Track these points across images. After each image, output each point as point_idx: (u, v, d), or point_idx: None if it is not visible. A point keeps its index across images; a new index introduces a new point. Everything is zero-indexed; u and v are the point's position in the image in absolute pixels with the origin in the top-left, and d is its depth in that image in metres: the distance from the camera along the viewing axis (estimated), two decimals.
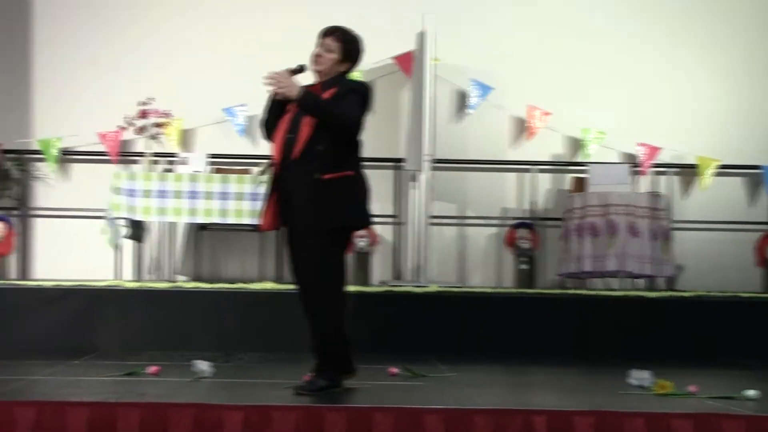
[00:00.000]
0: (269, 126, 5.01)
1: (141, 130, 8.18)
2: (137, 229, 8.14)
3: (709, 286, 8.39)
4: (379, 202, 8.99)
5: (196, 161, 8.18)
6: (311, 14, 8.97)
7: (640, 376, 5.38)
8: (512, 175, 9.26)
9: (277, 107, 4.99)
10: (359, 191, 4.97)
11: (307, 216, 4.83)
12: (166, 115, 8.23)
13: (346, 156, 4.92)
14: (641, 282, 8.55)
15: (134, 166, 8.90)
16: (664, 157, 9.09)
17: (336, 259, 4.93)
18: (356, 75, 8.76)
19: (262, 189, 5.00)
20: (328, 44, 5.04)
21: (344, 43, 5.07)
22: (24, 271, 8.86)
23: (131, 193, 7.71)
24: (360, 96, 4.95)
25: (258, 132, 8.71)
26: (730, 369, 6.48)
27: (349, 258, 8.60)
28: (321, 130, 4.84)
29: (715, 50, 9.34)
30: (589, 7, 9.34)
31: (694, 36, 9.34)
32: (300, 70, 5.03)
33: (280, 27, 8.98)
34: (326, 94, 4.94)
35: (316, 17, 8.95)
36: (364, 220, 5.04)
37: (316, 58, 5.02)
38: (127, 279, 8.07)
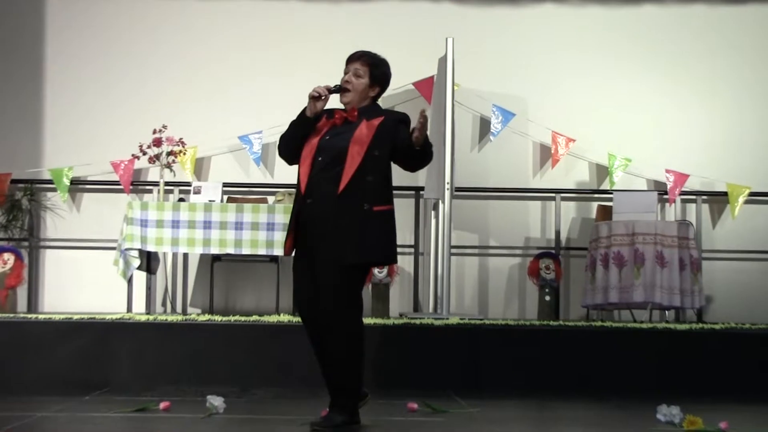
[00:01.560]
0: (296, 147, 4.94)
1: (154, 158, 8.24)
2: (150, 261, 8.18)
3: (740, 318, 8.35)
4: (398, 232, 9.03)
5: (211, 190, 8.22)
6: (329, 40, 9.10)
7: (669, 412, 5.35)
8: (535, 204, 9.28)
9: (311, 127, 4.94)
10: (394, 226, 5.02)
11: (350, 247, 4.78)
12: (180, 143, 8.29)
13: (389, 188, 4.97)
14: (670, 314, 8.53)
15: (147, 196, 8.98)
16: (692, 184, 9.09)
17: (361, 288, 4.94)
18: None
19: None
20: (357, 69, 5.04)
21: (372, 67, 5.08)
22: (34, 304, 8.93)
23: (144, 223, 7.76)
24: (409, 127, 4.97)
25: (274, 160, 8.93)
26: (762, 405, 6.43)
27: (367, 289, 8.63)
28: (372, 161, 4.84)
29: (745, 75, 9.35)
30: (614, 32, 9.38)
31: (724, 60, 9.35)
32: (338, 90, 5.02)
33: (298, 54, 9.07)
34: (372, 123, 4.92)
35: (333, 43, 9.17)
36: (395, 255, 5.09)
37: (346, 84, 5.02)
38: (139, 312, 8.10)
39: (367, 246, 4.81)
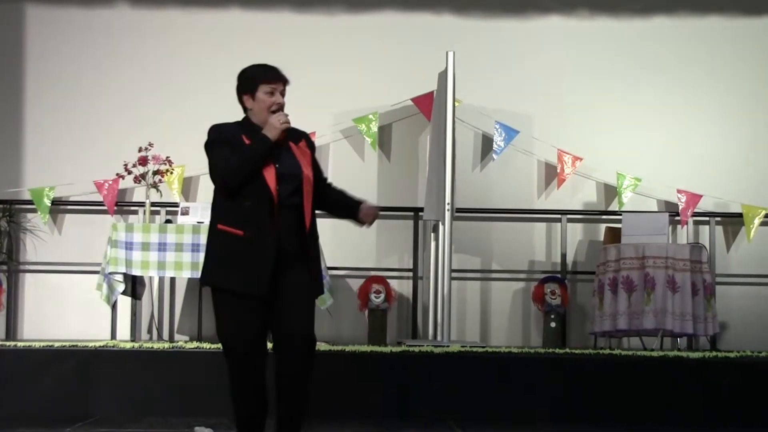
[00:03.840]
0: (251, 174, 4.81)
1: (140, 178, 8.28)
2: (135, 285, 8.20)
3: (757, 347, 8.37)
4: (396, 255, 9.09)
5: (199, 211, 8.24)
6: (325, 55, 9.17)
7: None
8: (540, 226, 9.31)
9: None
10: None
11: (316, 274, 4.91)
12: (167, 162, 8.32)
13: None
14: (682, 341, 8.55)
15: (132, 217, 9.01)
16: (705, 205, 9.13)
17: None
18: (371, 118, 9.02)
19: None
20: (283, 90, 5.02)
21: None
22: (12, 331, 8.93)
23: (129, 246, 7.78)
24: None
25: None
26: None
27: (364, 315, 8.65)
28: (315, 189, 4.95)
29: (761, 91, 9.40)
30: (623, 45, 9.42)
31: (737, 78, 9.40)
32: None
33: (290, 70, 9.09)
34: (300, 146, 4.95)
35: (330, 58, 9.23)
36: None
37: (281, 107, 4.96)
38: (123, 339, 8.11)
39: (319, 272, 5.00)
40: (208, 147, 4.90)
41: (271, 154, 4.82)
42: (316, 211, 4.96)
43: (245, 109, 4.99)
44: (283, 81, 4.99)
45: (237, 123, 4.98)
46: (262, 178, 4.77)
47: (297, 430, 4.84)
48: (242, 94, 5.00)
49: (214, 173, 4.83)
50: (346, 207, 5.08)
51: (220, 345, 4.91)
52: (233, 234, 4.78)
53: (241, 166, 4.77)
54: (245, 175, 4.77)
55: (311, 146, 5.04)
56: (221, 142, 4.85)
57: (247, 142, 4.82)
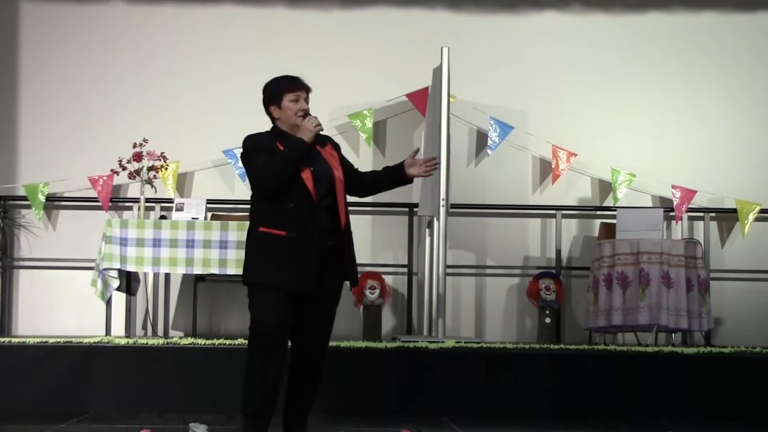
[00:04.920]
0: (291, 177, 5.17)
1: (134, 174, 8.27)
2: (129, 281, 8.20)
3: (751, 342, 8.38)
4: (390, 251, 9.10)
5: (194, 207, 8.24)
6: (319, 50, 9.17)
7: None
8: (535, 221, 9.32)
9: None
10: None
11: (349, 272, 5.40)
12: (162, 157, 8.32)
13: None
14: (676, 337, 8.57)
15: (127, 213, 9.01)
16: (700, 201, 9.14)
17: None
18: (366, 114, 9.02)
19: None
20: (307, 98, 5.40)
21: None
22: (6, 328, 8.93)
23: (123, 242, 7.78)
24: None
25: None
26: None
27: (359, 312, 8.66)
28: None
29: (755, 87, 9.41)
30: (618, 41, 9.43)
31: (731, 74, 9.41)
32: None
33: (286, 65, 9.08)
34: (327, 149, 5.41)
35: (324, 53, 9.23)
36: None
37: (307, 112, 5.34)
38: (118, 335, 8.11)
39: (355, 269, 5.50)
40: (247, 156, 5.24)
41: (305, 158, 5.20)
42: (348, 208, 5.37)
43: (273, 120, 5.34)
44: (305, 89, 5.36)
45: (267, 132, 5.33)
46: (301, 181, 5.15)
47: (306, 422, 5.38)
48: (269, 106, 5.36)
49: (256, 180, 5.18)
50: (389, 176, 5.51)
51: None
52: (276, 235, 5.14)
53: (282, 169, 5.13)
54: (286, 179, 5.13)
55: (337, 147, 5.44)
56: (258, 150, 5.20)
57: (281, 148, 5.18)
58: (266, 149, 5.19)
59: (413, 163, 5.44)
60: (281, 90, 5.30)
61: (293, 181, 5.14)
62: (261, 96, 5.40)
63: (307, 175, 5.17)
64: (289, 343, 5.29)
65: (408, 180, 5.48)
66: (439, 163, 8.02)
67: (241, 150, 5.29)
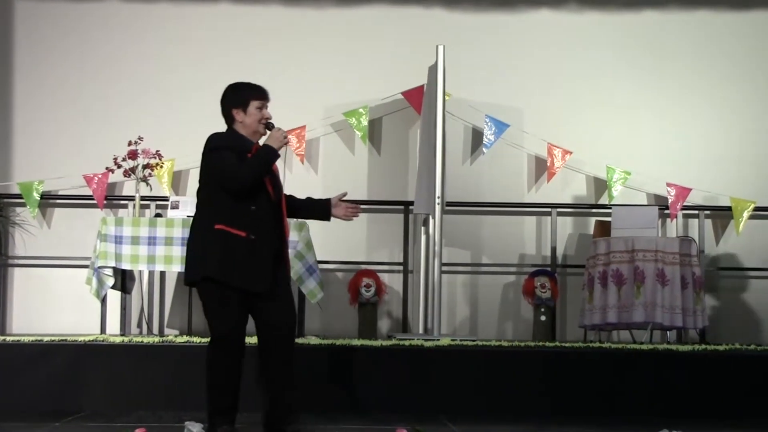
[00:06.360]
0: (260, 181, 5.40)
1: (129, 171, 8.26)
2: (125, 280, 8.18)
3: (746, 339, 8.39)
4: (386, 249, 9.09)
5: (189, 205, 8.22)
6: (313, 48, 9.16)
7: None
8: (530, 219, 9.32)
9: None
10: None
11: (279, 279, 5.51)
12: (157, 155, 8.31)
13: None
14: (671, 334, 8.58)
15: (122, 211, 8.99)
16: (695, 199, 9.15)
17: None
18: (362, 112, 9.01)
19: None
20: None
21: None
22: (1, 326, 8.91)
23: (118, 240, 7.76)
24: None
25: None
26: None
27: (354, 309, 8.66)
28: None
29: (749, 85, 9.42)
30: (614, 39, 9.43)
31: (724, 74, 9.41)
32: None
33: (280, 62, 9.11)
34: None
35: (318, 51, 9.22)
36: None
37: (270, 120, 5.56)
38: (113, 334, 8.10)
39: None
40: (215, 152, 5.38)
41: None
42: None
43: (232, 121, 5.51)
44: (269, 99, 5.55)
45: (230, 133, 5.51)
46: (264, 186, 5.37)
47: (290, 408, 5.46)
48: (233, 108, 5.50)
49: (230, 175, 5.31)
50: (311, 208, 5.78)
51: (250, 338, 5.43)
52: (234, 234, 5.29)
53: (260, 171, 5.33)
54: (258, 181, 5.33)
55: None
56: (227, 149, 5.36)
57: (249, 151, 5.39)
58: (233, 148, 5.36)
59: (338, 204, 5.73)
60: (249, 96, 5.50)
61: (259, 185, 5.37)
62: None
63: (267, 181, 5.40)
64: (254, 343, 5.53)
65: (327, 217, 5.76)
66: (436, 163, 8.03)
67: (207, 146, 5.43)
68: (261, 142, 5.54)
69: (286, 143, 5.47)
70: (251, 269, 5.30)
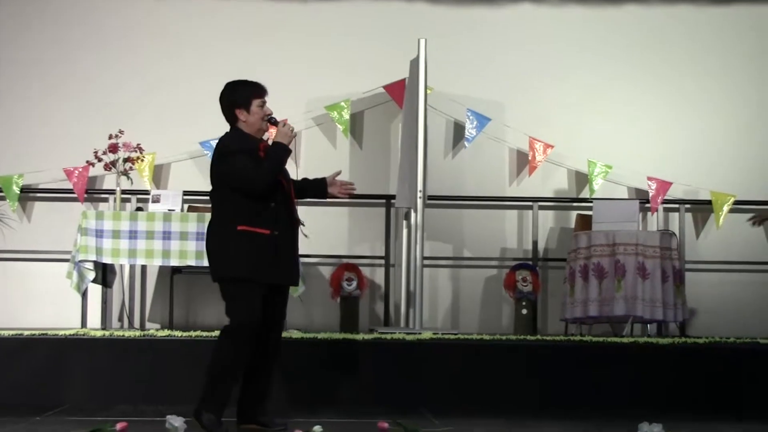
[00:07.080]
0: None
1: (110, 165, 8.24)
2: (105, 273, 8.16)
3: (725, 332, 8.42)
4: (368, 242, 9.10)
5: (170, 199, 8.22)
6: (295, 41, 9.15)
7: (650, 430, 5.41)
8: (512, 213, 9.34)
9: None
10: None
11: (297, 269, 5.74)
12: (138, 149, 8.29)
13: None
14: (652, 327, 8.61)
15: (102, 205, 8.97)
16: (675, 193, 9.18)
17: None
18: (343, 105, 9.00)
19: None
20: None
21: None
22: None
23: (99, 233, 7.74)
24: None
25: None
26: (748, 422, 6.51)
27: (336, 303, 8.66)
28: None
29: (730, 80, 9.46)
30: (595, 33, 9.46)
31: (705, 69, 9.45)
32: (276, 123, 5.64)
33: (262, 56, 9.09)
34: None
35: (300, 44, 9.21)
36: None
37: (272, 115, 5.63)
38: (94, 327, 8.08)
39: None
40: (230, 156, 5.42)
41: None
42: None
43: (235, 121, 5.54)
44: (267, 93, 5.58)
45: (238, 134, 5.53)
46: (280, 182, 5.48)
47: (266, 398, 5.67)
48: (235, 109, 5.53)
49: (248, 181, 5.39)
50: (312, 188, 5.85)
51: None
52: (258, 233, 5.41)
53: (273, 171, 5.42)
54: (275, 180, 5.43)
55: None
56: (241, 152, 5.41)
57: (261, 151, 5.48)
58: (246, 151, 5.40)
59: (333, 182, 5.85)
60: (250, 95, 5.53)
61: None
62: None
63: (281, 177, 5.50)
64: None
65: (324, 195, 5.88)
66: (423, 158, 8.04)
67: (220, 151, 5.46)
68: (266, 137, 5.64)
69: (294, 136, 5.54)
70: (279, 264, 5.47)
